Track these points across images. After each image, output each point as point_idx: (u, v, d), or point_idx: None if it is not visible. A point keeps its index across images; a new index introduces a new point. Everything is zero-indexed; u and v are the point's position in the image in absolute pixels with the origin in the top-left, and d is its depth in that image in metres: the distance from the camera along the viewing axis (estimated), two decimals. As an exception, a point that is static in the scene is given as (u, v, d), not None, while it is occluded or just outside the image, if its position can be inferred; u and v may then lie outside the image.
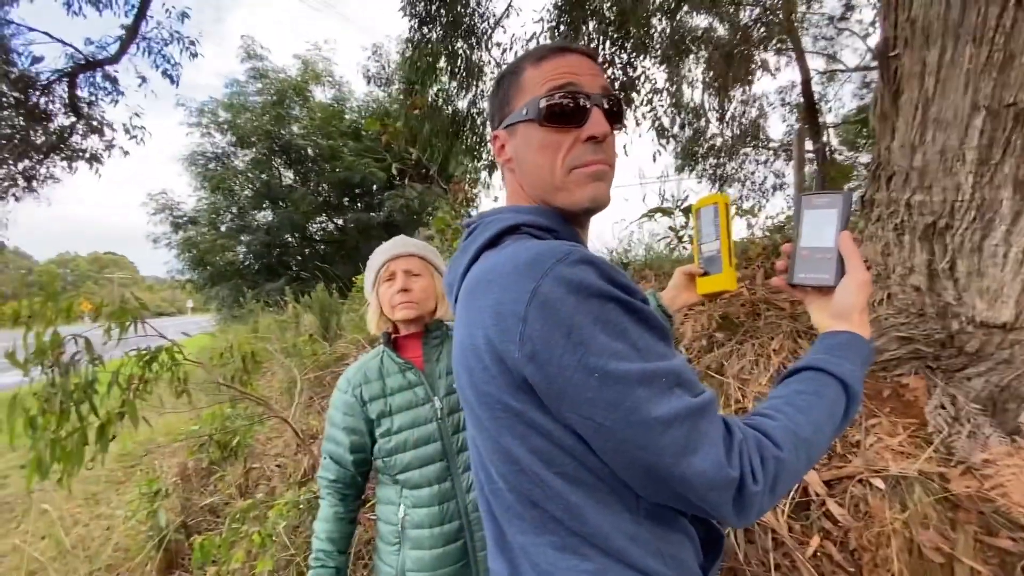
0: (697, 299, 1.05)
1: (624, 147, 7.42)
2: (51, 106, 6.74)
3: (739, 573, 1.56)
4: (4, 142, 6.58)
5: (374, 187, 15.19)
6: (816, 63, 9.62)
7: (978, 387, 1.57)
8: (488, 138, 0.86)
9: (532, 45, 5.68)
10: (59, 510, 3.51)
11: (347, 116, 15.71)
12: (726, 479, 0.50)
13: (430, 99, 4.69)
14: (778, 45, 7.71)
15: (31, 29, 6.34)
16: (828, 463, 1.63)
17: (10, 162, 7.02)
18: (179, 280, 16.12)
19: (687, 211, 2.98)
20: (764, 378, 1.99)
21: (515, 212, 0.66)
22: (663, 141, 6.89)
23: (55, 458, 1.55)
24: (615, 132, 0.69)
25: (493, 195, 9.64)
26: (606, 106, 0.66)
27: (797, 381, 0.64)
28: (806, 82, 8.04)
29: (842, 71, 9.95)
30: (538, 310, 0.51)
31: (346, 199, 15.91)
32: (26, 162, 7.23)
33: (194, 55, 7.94)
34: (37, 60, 6.38)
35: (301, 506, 2.52)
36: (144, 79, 8.28)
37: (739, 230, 4.07)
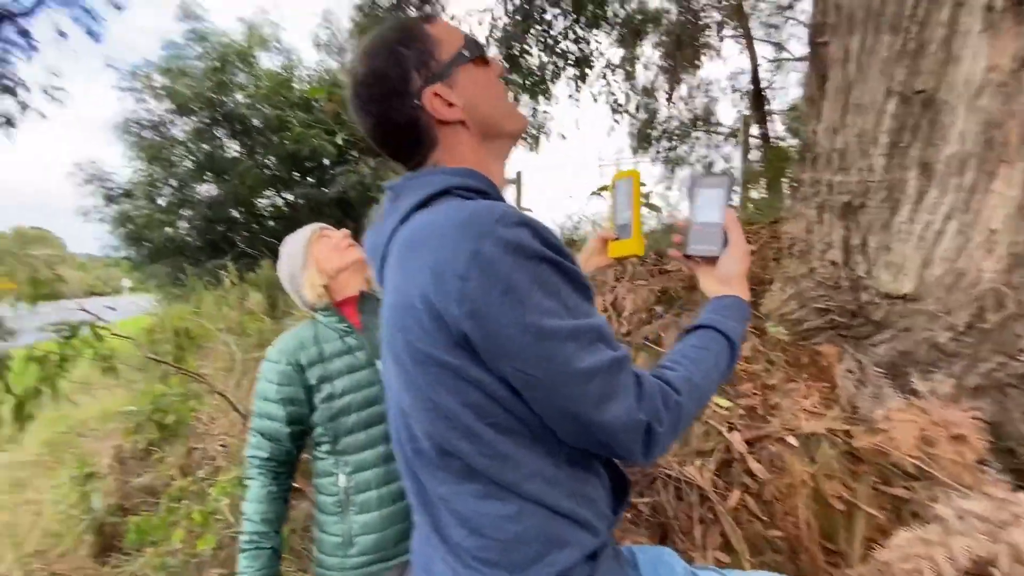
0: (609, 262, 1.11)
1: (576, 121, 7.58)
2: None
3: (668, 527, 1.66)
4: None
5: (325, 161, 14.61)
6: (765, 51, 9.94)
7: (882, 353, 1.73)
8: (422, 102, 0.78)
9: (486, 17, 5.64)
10: (-21, 497, 3.31)
11: (296, 86, 14.96)
12: (637, 423, 0.58)
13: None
14: (728, 32, 7.91)
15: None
16: (751, 424, 1.75)
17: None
18: (114, 257, 15.09)
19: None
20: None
21: (445, 175, 0.67)
22: (617, 117, 7.03)
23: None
24: None
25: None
26: None
27: (693, 337, 0.74)
28: (754, 69, 8.31)
29: (788, 60, 10.32)
30: (479, 269, 0.53)
31: (296, 173, 15.22)
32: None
33: (117, 7, 7.37)
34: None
35: (245, 483, 2.48)
36: (63, 34, 7.61)
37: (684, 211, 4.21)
